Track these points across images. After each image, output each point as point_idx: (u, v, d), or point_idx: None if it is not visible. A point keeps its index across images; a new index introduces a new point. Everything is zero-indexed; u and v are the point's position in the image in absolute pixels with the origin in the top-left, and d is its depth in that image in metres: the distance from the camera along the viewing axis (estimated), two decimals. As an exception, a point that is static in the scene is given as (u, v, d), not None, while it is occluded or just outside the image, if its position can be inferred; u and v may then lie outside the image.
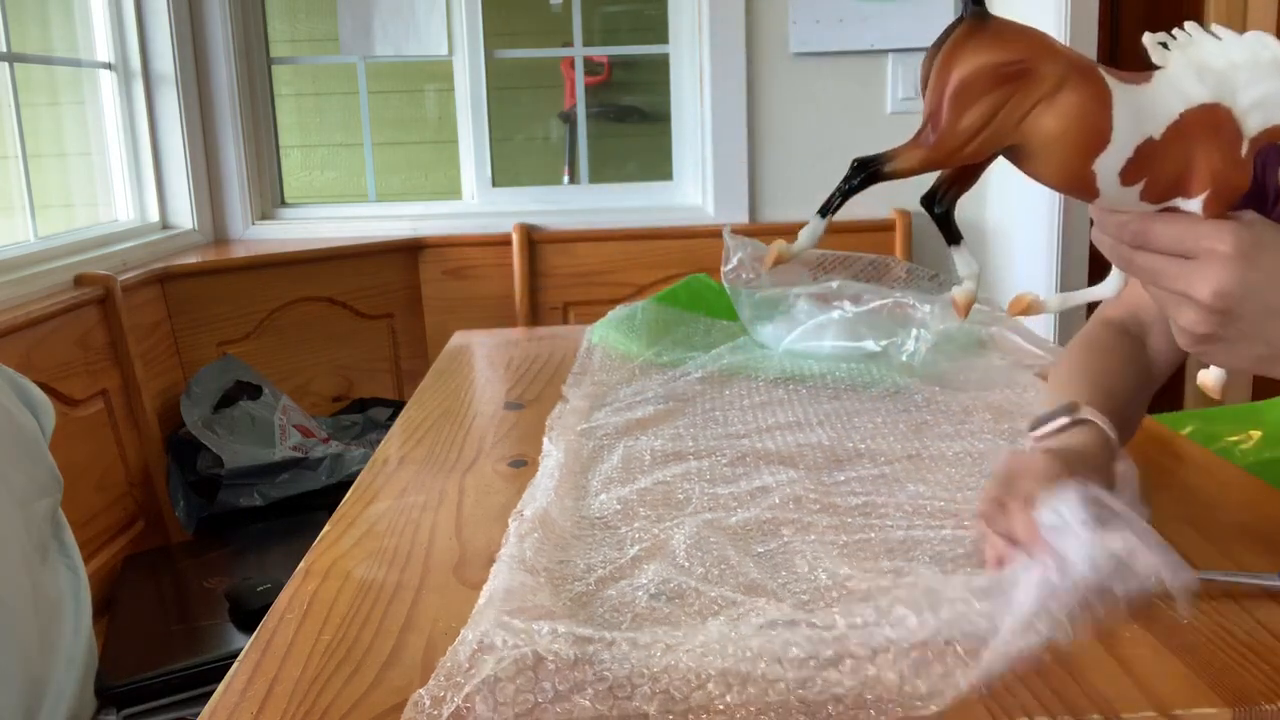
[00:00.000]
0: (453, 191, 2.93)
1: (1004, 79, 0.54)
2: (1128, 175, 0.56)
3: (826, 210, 0.58)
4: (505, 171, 2.99)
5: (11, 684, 1.20)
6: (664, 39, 2.81)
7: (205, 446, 2.07)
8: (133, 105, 2.54)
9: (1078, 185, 0.57)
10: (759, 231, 2.56)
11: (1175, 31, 0.57)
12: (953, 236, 0.61)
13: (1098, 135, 0.54)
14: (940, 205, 0.59)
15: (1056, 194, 2.47)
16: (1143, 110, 0.55)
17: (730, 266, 1.38)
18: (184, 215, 2.62)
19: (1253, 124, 0.56)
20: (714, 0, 2.62)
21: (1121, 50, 2.81)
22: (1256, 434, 1.37)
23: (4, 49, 2.14)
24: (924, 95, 0.57)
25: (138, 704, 1.43)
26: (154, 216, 2.58)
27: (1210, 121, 0.56)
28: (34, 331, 1.81)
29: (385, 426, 2.28)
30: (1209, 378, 0.67)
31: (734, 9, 2.63)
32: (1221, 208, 0.57)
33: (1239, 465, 0.98)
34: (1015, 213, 2.61)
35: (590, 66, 3.29)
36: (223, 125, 2.67)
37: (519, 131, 3.49)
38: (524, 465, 1.05)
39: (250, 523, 2.03)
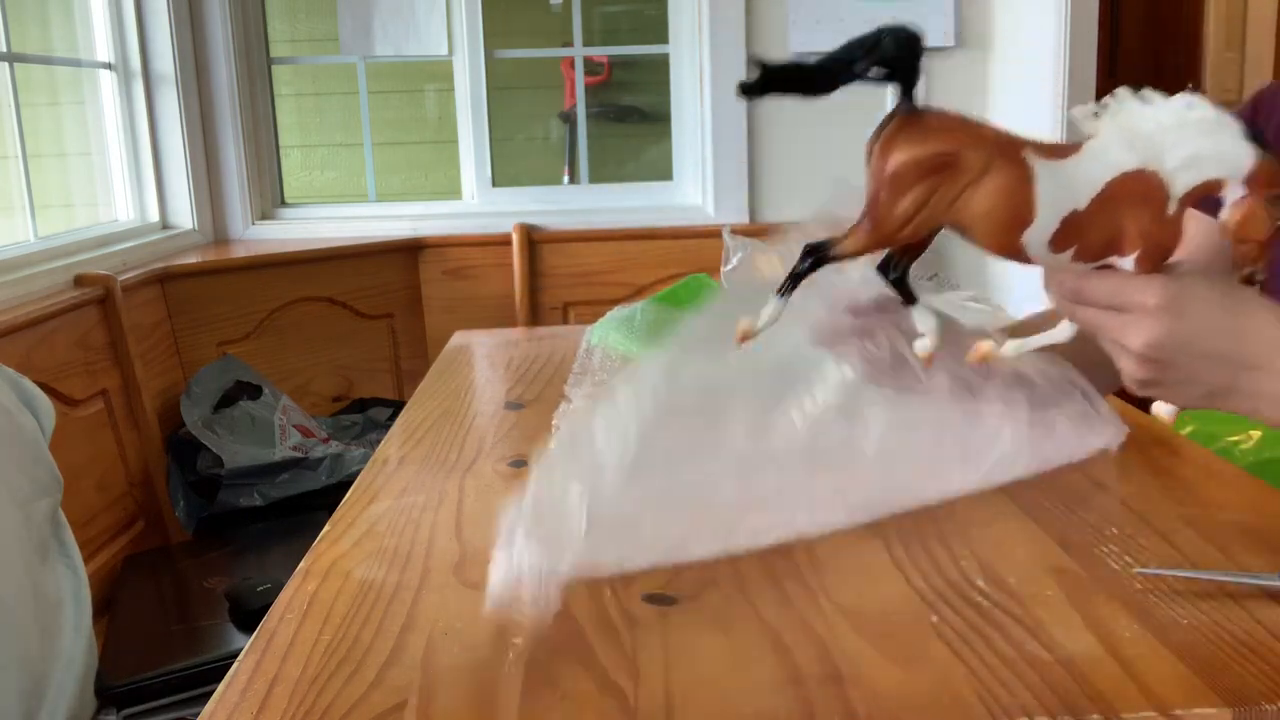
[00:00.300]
0: (453, 191, 2.93)
1: (932, 170, 0.58)
2: (1056, 244, 0.60)
3: (784, 292, 0.64)
4: (505, 171, 2.99)
5: (11, 684, 1.20)
6: (664, 39, 2.81)
7: (205, 446, 2.07)
8: (133, 105, 2.54)
9: (1011, 255, 0.61)
10: (759, 232, 2.55)
11: (1106, 99, 0.60)
12: (909, 298, 0.66)
13: (1021, 214, 0.59)
14: (894, 272, 0.65)
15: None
16: (1068, 184, 0.59)
17: (730, 266, 1.38)
18: (184, 215, 2.62)
19: (1182, 182, 0.59)
20: (714, 0, 2.62)
21: (1121, 50, 2.81)
22: (1256, 434, 1.37)
23: (4, 49, 2.14)
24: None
25: (138, 704, 1.43)
26: (154, 216, 2.59)
27: (1136, 188, 0.59)
28: (34, 331, 1.81)
29: (385, 426, 2.28)
30: (1162, 409, 0.71)
31: (734, 9, 2.63)
32: (1153, 264, 0.61)
33: (1239, 465, 0.98)
34: (1015, 213, 2.61)
35: (590, 66, 3.29)
36: (223, 125, 2.67)
37: (519, 131, 3.49)
38: (524, 465, 1.05)
39: (250, 523, 2.03)
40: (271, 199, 2.86)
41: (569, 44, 3.01)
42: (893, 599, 0.74)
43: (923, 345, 0.68)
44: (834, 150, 2.70)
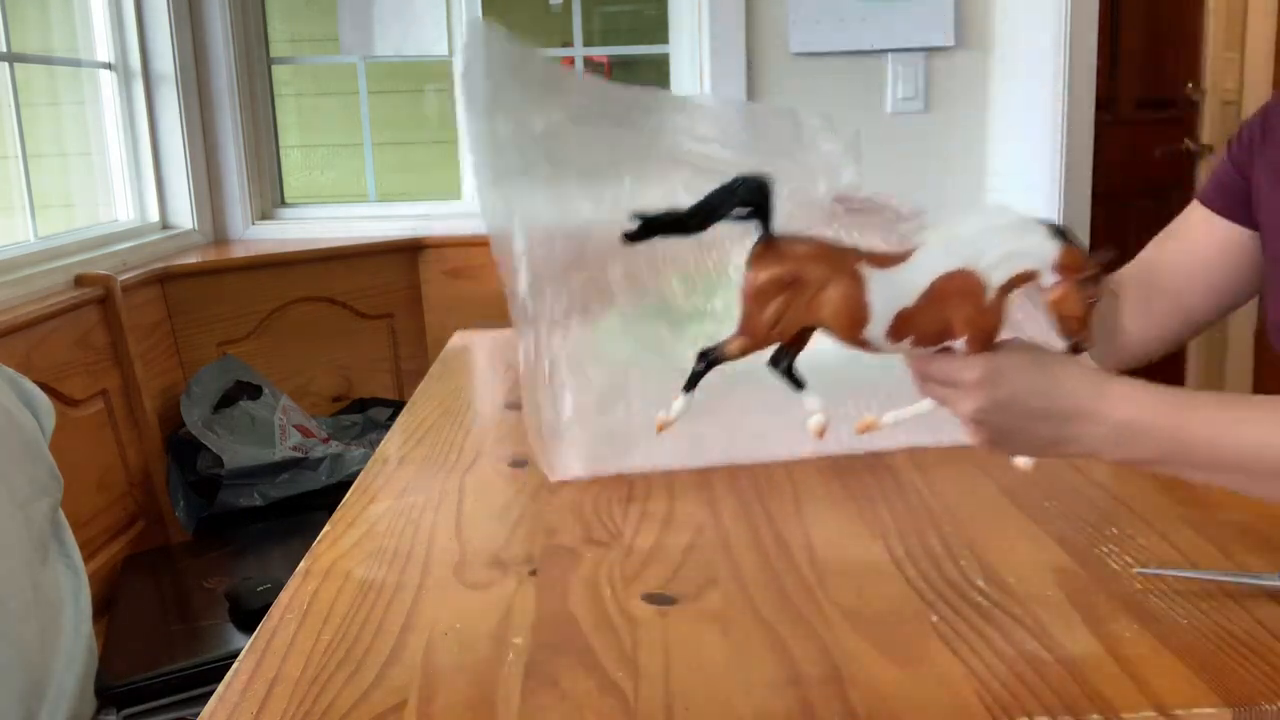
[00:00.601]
0: (453, 191, 2.92)
1: (783, 286, 0.72)
2: (893, 336, 0.73)
3: (688, 388, 0.77)
4: (505, 171, 2.98)
5: (11, 684, 1.20)
6: (664, 39, 2.81)
7: (205, 446, 2.07)
8: (133, 105, 2.53)
9: (860, 347, 0.74)
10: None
11: (931, 214, 0.75)
12: (797, 385, 0.78)
13: (859, 315, 0.72)
14: (782, 364, 0.77)
15: (1056, 193, 2.47)
16: (897, 287, 0.72)
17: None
18: (184, 215, 2.62)
19: (998, 277, 0.71)
20: (714, 0, 2.62)
21: (1121, 50, 2.81)
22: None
23: (4, 49, 2.14)
24: None
25: (138, 704, 1.43)
26: (154, 216, 2.58)
27: (958, 285, 0.72)
28: (34, 331, 1.80)
29: (385, 426, 2.27)
30: (1019, 460, 0.80)
31: (734, 9, 2.62)
32: (981, 345, 0.73)
33: (1239, 465, 0.98)
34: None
35: (590, 66, 3.29)
36: (223, 125, 2.67)
37: (519, 131, 3.48)
38: (524, 465, 1.05)
39: (250, 523, 2.02)
40: (271, 199, 2.85)
41: (569, 44, 3.00)
42: (893, 599, 0.74)
43: (815, 421, 0.79)
44: (834, 150, 2.69)
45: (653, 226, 0.72)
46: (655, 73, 2.89)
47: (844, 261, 0.73)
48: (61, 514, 1.44)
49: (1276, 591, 0.71)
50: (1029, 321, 0.85)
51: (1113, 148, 2.69)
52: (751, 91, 2.67)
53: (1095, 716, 0.58)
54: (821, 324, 0.74)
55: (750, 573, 0.79)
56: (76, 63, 2.48)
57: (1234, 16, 3.39)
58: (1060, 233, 0.72)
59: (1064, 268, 0.71)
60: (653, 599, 0.75)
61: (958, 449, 1.03)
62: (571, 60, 3.05)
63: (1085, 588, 0.74)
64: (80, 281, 2.03)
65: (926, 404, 0.79)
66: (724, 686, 0.63)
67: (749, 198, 0.72)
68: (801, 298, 0.72)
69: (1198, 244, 1.07)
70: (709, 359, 0.76)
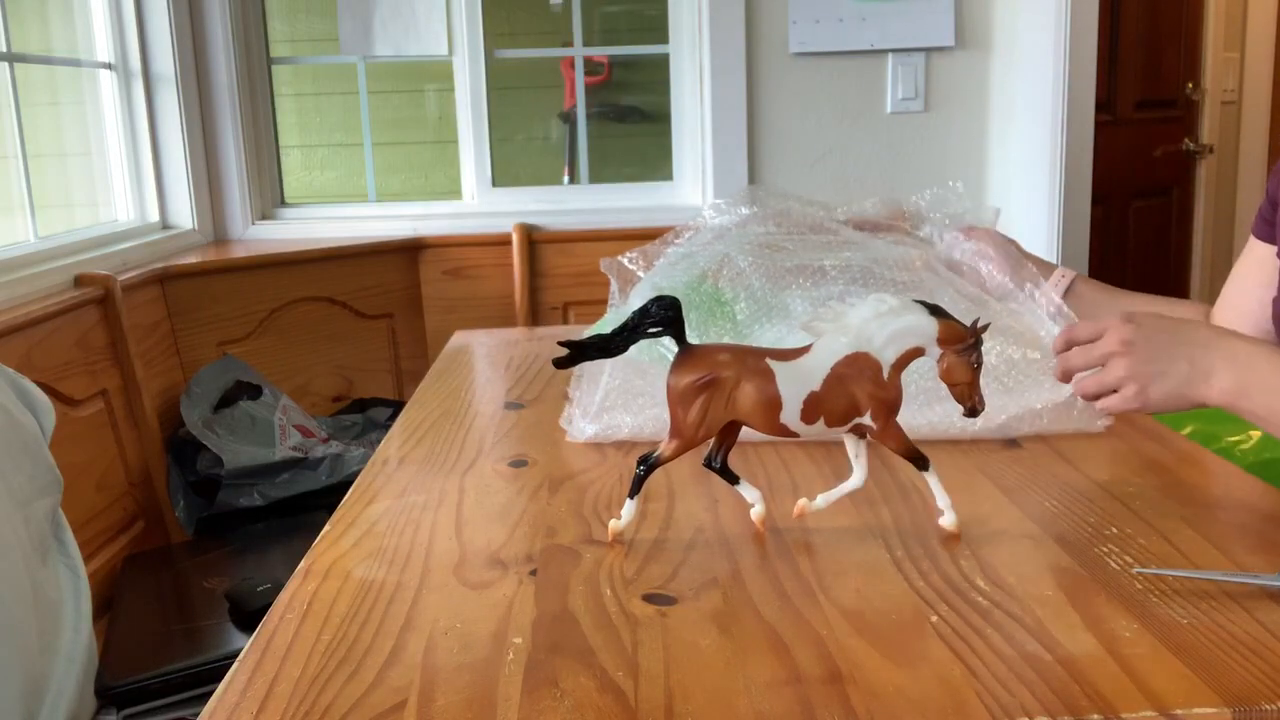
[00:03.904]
0: (453, 191, 2.92)
1: (702, 388, 0.80)
2: (806, 418, 0.80)
3: (633, 494, 0.85)
4: (505, 171, 2.98)
5: (11, 684, 1.20)
6: (664, 39, 2.81)
7: (205, 446, 2.07)
8: (133, 105, 2.54)
9: (779, 433, 0.81)
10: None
11: (824, 308, 0.83)
12: (731, 479, 0.87)
13: (772, 403, 0.80)
14: (716, 461, 0.86)
15: (1056, 192, 2.47)
16: (802, 375, 0.80)
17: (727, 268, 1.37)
18: (184, 215, 2.62)
19: (890, 355, 0.80)
20: (714, 0, 2.62)
21: (1121, 50, 2.81)
22: (1256, 434, 1.37)
23: (4, 49, 2.14)
24: None
25: (138, 704, 1.43)
26: (154, 216, 2.58)
27: (855, 365, 0.80)
28: (34, 331, 1.81)
29: (385, 426, 2.28)
30: (947, 522, 0.84)
31: (734, 9, 2.63)
32: (885, 419, 0.81)
33: (1239, 465, 0.99)
34: (1014, 212, 2.61)
35: (590, 66, 3.29)
36: (223, 125, 2.67)
37: (519, 131, 3.49)
38: (524, 465, 1.05)
39: (250, 523, 2.03)
40: (271, 199, 2.85)
41: (569, 44, 3.00)
42: (893, 599, 0.74)
43: (756, 513, 0.86)
44: (834, 150, 2.70)
45: (581, 351, 0.80)
46: (655, 72, 2.89)
47: (753, 360, 0.81)
48: (61, 514, 1.44)
49: (1276, 591, 0.71)
50: None
51: (1113, 148, 2.69)
52: (751, 91, 2.68)
53: (1095, 716, 0.58)
54: (742, 417, 0.81)
55: (750, 573, 0.79)
56: (76, 63, 2.48)
57: (1234, 16, 3.40)
58: (937, 310, 0.80)
59: (944, 341, 0.80)
60: (653, 599, 0.75)
61: (958, 449, 1.03)
62: (571, 60, 3.05)
63: (1085, 588, 0.74)
64: (80, 281, 2.03)
65: (857, 480, 0.85)
66: (724, 686, 0.63)
67: (660, 317, 0.80)
68: (720, 396, 0.80)
69: (1249, 268, 1.18)
70: (648, 464, 0.84)
